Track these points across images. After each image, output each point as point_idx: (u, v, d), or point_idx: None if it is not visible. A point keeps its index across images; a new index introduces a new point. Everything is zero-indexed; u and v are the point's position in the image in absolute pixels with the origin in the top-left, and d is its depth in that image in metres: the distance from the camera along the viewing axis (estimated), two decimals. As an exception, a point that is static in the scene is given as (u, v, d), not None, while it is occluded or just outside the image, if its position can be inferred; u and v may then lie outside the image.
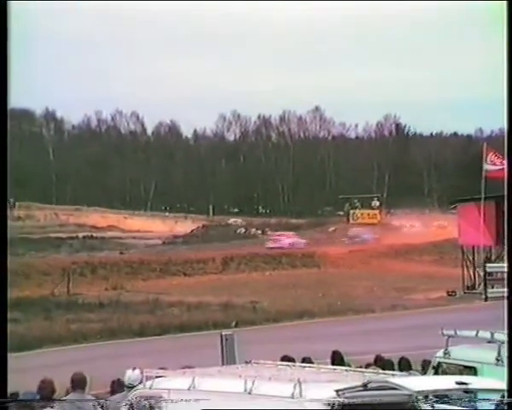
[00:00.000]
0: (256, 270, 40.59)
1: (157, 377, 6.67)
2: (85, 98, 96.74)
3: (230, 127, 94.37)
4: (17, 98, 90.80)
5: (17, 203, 65.02)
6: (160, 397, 6.09)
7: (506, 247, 6.09)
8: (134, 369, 8.28)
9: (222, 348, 10.92)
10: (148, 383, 6.57)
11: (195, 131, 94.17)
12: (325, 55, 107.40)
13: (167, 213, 76.31)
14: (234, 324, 23.02)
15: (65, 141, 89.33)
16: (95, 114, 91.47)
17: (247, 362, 7.14)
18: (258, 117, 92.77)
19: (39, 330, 22.73)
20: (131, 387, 7.95)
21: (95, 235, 54.04)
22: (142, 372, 8.02)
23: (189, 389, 5.92)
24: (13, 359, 19.62)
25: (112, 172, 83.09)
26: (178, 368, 8.11)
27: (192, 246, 48.81)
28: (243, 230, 60.38)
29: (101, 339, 22.30)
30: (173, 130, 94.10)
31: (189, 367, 7.99)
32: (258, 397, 5.37)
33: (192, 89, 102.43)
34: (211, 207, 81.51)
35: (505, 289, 7.36)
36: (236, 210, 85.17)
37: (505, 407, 5.00)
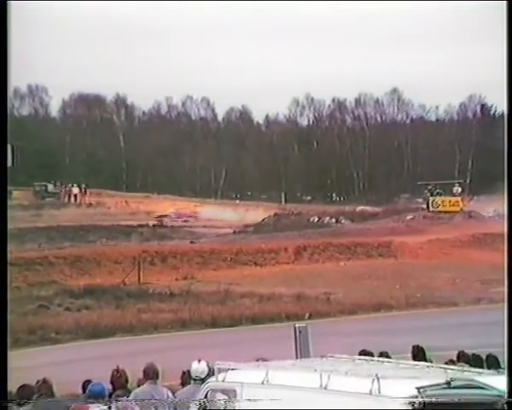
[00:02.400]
0: (330, 260, 40.33)
1: (229, 370, 6.70)
2: (156, 84, 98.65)
3: (303, 112, 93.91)
4: (89, 84, 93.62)
5: (88, 190, 67.03)
6: (233, 391, 6.11)
7: (506, 246, 6.90)
8: (199, 361, 8.37)
9: (295, 340, 10.90)
10: (221, 376, 6.61)
11: (267, 116, 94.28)
12: (403, 37, 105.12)
13: (238, 202, 76.85)
14: (307, 316, 23.00)
15: (135, 127, 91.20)
16: (165, 100, 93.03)
17: (322, 356, 7.08)
18: (333, 100, 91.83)
19: (111, 318, 23.38)
20: (198, 379, 8.07)
21: (165, 223, 55.10)
22: (208, 365, 8.12)
23: (262, 383, 5.92)
24: (87, 346, 20.29)
25: (182, 160, 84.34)
26: (251, 361, 8.15)
27: (263, 235, 48.99)
28: (316, 218, 60.11)
29: (172, 330, 22.75)
30: (244, 115, 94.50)
31: (262, 360, 8.02)
32: (335, 393, 5.31)
33: (264, 74, 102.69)
34: (283, 195, 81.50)
35: None
36: (309, 198, 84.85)
37: None
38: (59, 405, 8.04)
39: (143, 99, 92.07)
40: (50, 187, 67.10)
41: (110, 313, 24.49)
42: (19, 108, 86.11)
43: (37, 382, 8.15)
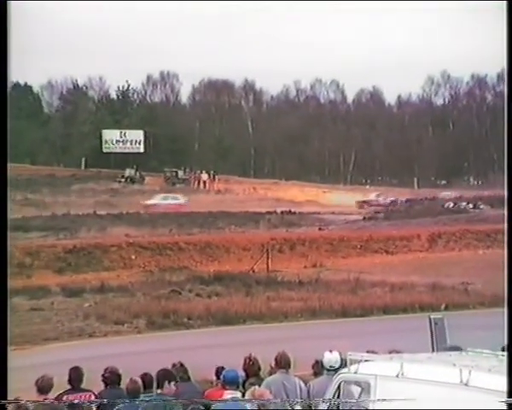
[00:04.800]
0: (467, 248, 38.97)
1: (362, 361, 6.70)
2: (284, 68, 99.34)
3: (439, 90, 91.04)
4: (217, 69, 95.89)
5: (217, 177, 68.85)
6: (367, 383, 6.10)
7: (506, 246, 6.89)
8: (331, 351, 8.41)
9: (431, 332, 10.69)
10: (353, 368, 6.62)
11: (399, 96, 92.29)
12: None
13: (368, 187, 75.93)
14: (443, 306, 22.41)
15: (263, 112, 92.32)
16: (294, 83, 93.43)
17: (460, 349, 6.91)
18: (472, 77, 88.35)
19: (241, 305, 23.96)
20: (331, 370, 8.11)
21: (293, 210, 55.51)
22: (341, 355, 8.14)
23: (397, 377, 5.87)
24: (218, 333, 20.94)
25: (310, 144, 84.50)
26: (384, 353, 8.10)
27: (395, 222, 48.14)
28: (452, 204, 58.21)
29: (301, 318, 22.98)
30: (375, 97, 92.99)
31: (396, 352, 7.95)
32: (478, 390, 5.15)
33: (396, 52, 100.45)
34: (415, 180, 79.56)
35: None
36: (444, 182, 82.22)
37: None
38: (193, 389, 8.38)
39: (272, 84, 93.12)
40: (180, 173, 69.65)
41: (240, 300, 25.07)
42: (151, 94, 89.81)
43: (174, 365, 8.53)
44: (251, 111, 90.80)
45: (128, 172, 68.77)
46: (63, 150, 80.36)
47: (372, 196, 60.44)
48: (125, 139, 73.84)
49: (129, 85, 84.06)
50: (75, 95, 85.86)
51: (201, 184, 66.98)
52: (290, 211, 54.63)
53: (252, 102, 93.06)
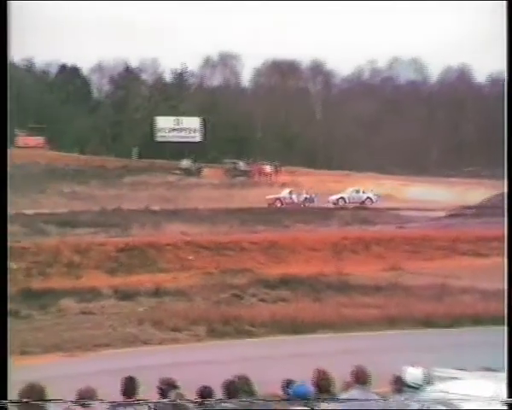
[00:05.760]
0: None
1: (451, 378, 6.64)
2: (357, 47, 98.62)
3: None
4: (282, 49, 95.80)
5: (282, 168, 68.99)
6: (456, 405, 6.03)
7: (506, 245, 7.33)
8: (414, 366, 8.34)
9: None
10: (441, 386, 6.56)
11: (491, 74, 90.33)
12: None
13: (454, 179, 74.70)
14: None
15: (333, 96, 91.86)
16: (368, 63, 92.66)
17: None
18: None
19: (309, 312, 23.99)
20: (414, 387, 8.05)
21: (367, 205, 55.23)
22: (425, 371, 8.05)
23: (492, 398, 5.80)
24: (284, 343, 20.95)
25: (386, 131, 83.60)
26: (476, 370, 7.99)
27: (486, 219, 47.23)
28: (552, 199, 56.76)
29: (378, 328, 22.83)
30: (463, 75, 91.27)
31: (488, 370, 7.83)
32: None
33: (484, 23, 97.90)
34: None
35: None
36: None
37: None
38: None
39: (343, 64, 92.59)
40: (242, 164, 70.13)
41: (308, 306, 25.12)
42: (209, 77, 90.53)
43: (236, 377, 8.60)
44: (319, 95, 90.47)
45: (185, 163, 69.71)
46: (114, 139, 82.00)
47: (284, 193, 58.32)
48: (180, 127, 74.89)
49: (185, 68, 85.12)
50: (127, 78, 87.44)
51: (264, 177, 67.34)
52: (364, 206, 54.29)
53: (320, 85, 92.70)
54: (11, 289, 25.99)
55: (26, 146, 72.42)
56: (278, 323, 22.79)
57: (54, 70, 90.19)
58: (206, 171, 69.24)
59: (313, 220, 47.78)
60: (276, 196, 57.09)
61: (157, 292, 27.72)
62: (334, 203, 55.43)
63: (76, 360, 18.61)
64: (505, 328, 6.56)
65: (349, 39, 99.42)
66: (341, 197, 56.52)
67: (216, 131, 75.56)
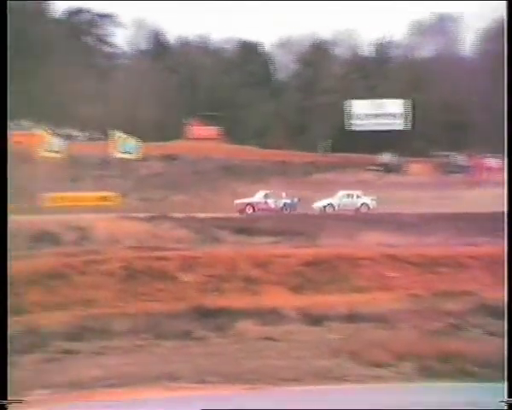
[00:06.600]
0: None
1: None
2: None
3: None
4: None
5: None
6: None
7: (506, 245, 8.10)
8: None
9: None
10: None
11: None
12: None
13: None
14: None
15: None
16: None
17: None
18: None
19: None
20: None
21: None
22: None
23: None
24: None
25: None
26: None
27: None
28: None
29: None
30: None
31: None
32: None
33: None
34: None
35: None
36: None
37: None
38: None
39: None
40: (458, 158, 68.29)
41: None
42: (419, 47, 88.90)
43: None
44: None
45: (385, 157, 69.01)
46: (299, 129, 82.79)
47: (258, 197, 53.00)
48: (381, 112, 74.24)
49: (389, 37, 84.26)
50: (316, 55, 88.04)
51: (489, 173, 65.03)
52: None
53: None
54: (178, 303, 26.52)
55: (197, 137, 74.94)
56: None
57: (231, 47, 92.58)
58: (411, 166, 68.20)
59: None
60: (247, 200, 53.89)
61: (352, 316, 27.31)
62: (321, 211, 52.73)
63: (259, 395, 18.42)
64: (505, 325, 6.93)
65: None
66: (330, 204, 53.45)
67: (425, 116, 74.03)
